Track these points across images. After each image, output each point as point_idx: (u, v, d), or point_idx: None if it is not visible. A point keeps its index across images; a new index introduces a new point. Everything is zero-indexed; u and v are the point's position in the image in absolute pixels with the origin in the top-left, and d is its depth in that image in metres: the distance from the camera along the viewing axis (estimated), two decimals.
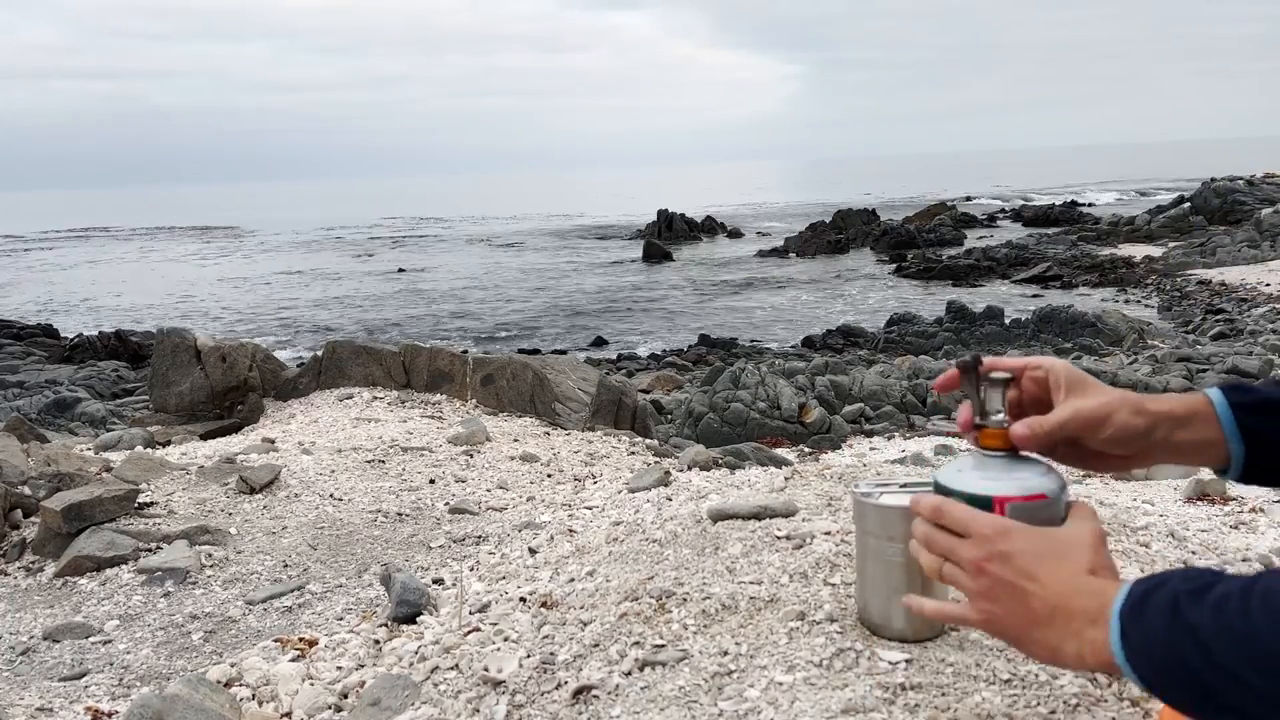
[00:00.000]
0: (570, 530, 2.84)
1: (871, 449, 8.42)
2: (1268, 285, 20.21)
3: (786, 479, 2.81)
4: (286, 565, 3.36)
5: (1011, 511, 1.05)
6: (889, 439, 9.29)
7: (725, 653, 1.59)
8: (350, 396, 6.27)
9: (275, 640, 2.42)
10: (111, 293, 35.16)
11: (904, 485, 1.52)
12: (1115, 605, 0.92)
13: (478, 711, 1.63)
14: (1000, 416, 1.11)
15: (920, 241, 34.01)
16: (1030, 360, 1.16)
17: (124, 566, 3.28)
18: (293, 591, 3.09)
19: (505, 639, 1.87)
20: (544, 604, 1.99)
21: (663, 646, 1.64)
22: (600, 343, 21.91)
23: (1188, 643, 0.83)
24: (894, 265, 31.00)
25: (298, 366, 7.14)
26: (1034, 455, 1.11)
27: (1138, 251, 28.34)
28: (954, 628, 1.56)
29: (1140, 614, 0.90)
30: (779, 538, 2.07)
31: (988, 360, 1.17)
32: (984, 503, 1.05)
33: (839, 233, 38.30)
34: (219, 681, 2.09)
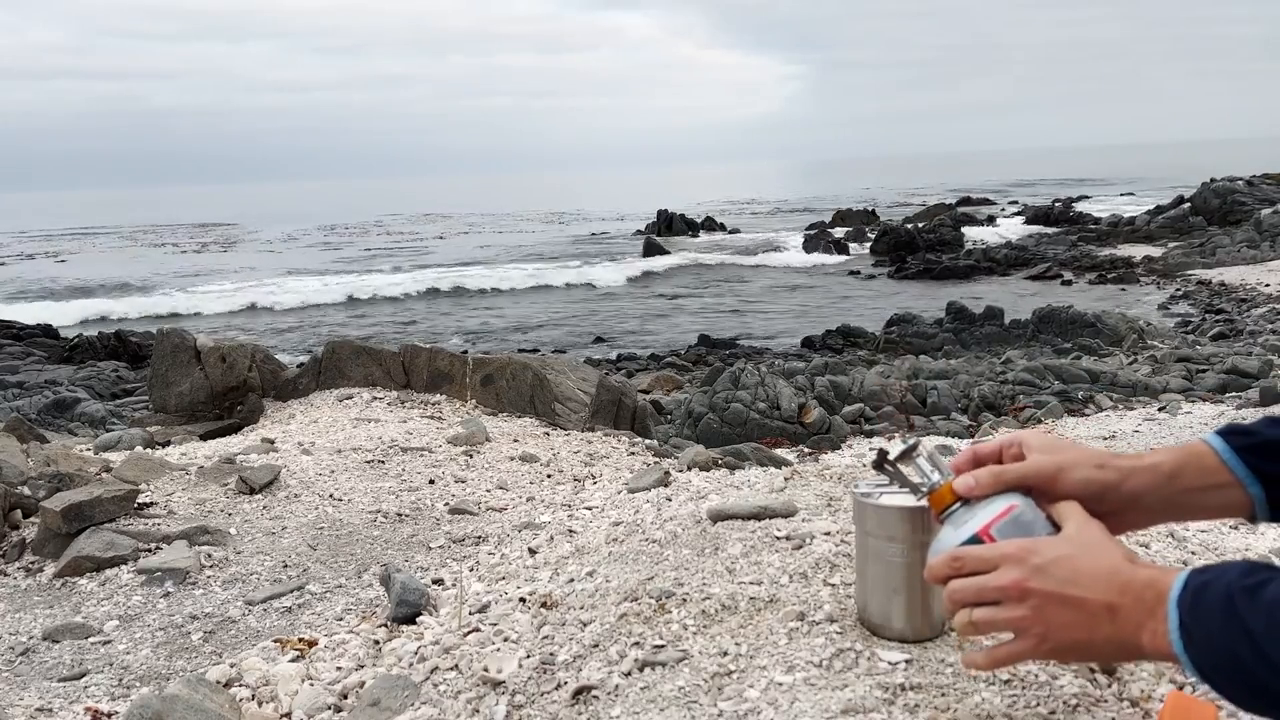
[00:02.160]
0: (570, 531, 2.84)
1: (871, 449, 8.42)
2: (1267, 285, 20.21)
3: (786, 479, 2.81)
4: (286, 565, 3.36)
5: (998, 532, 1.06)
6: (889, 439, 9.29)
7: (725, 653, 1.59)
8: (350, 397, 6.27)
9: (275, 640, 2.42)
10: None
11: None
12: (1172, 595, 0.93)
13: (477, 712, 1.63)
14: (936, 478, 1.15)
15: (920, 242, 34.03)
16: (1005, 440, 1.19)
17: (124, 567, 3.28)
18: (292, 592, 3.09)
19: (505, 639, 1.87)
20: (544, 604, 1.99)
21: (662, 647, 1.64)
22: (600, 343, 21.91)
23: (1242, 640, 0.85)
24: (894, 265, 31.00)
25: (297, 367, 7.14)
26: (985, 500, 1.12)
27: (1137, 252, 28.35)
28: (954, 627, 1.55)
29: (1197, 606, 0.90)
30: (779, 538, 2.07)
31: (967, 452, 1.20)
32: (972, 543, 1.06)
33: (839, 233, 38.32)
34: (218, 682, 2.09)
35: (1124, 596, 0.96)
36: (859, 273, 31.50)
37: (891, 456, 1.23)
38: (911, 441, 1.24)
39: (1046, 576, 0.98)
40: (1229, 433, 1.09)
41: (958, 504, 1.11)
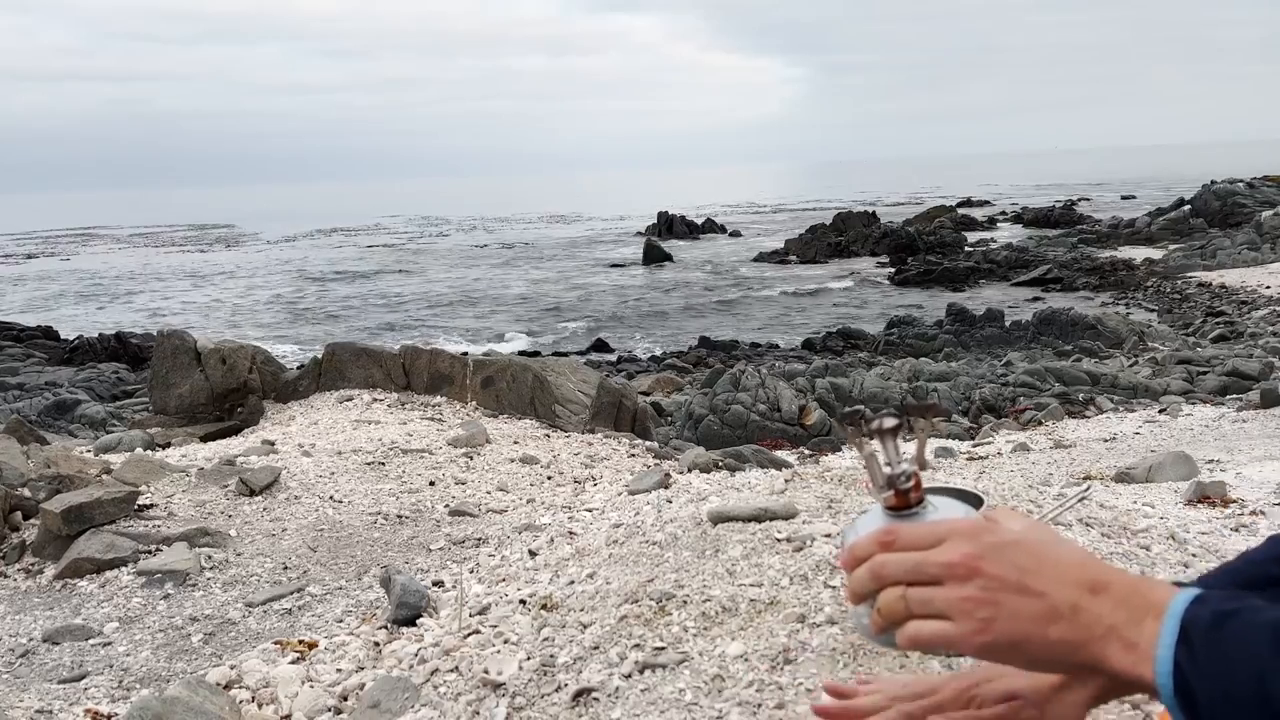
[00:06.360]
0: (570, 532, 2.83)
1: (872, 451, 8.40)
2: (1268, 288, 20.21)
3: (787, 481, 2.81)
4: (286, 567, 3.36)
5: None
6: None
7: (725, 655, 1.59)
8: (350, 399, 6.27)
9: (275, 642, 2.41)
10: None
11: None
12: (1174, 609, 0.78)
13: (478, 714, 1.63)
14: (904, 467, 0.94)
15: (920, 244, 34.05)
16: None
17: (124, 568, 3.27)
18: (292, 594, 3.08)
19: (505, 641, 1.87)
20: (544, 606, 1.99)
21: (663, 649, 1.64)
22: (600, 345, 21.91)
23: None
24: (894, 268, 31.01)
25: (298, 369, 7.14)
26: (941, 497, 0.95)
27: (1138, 254, 28.37)
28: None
29: (1218, 629, 0.76)
30: (779, 540, 2.07)
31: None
32: None
33: (839, 235, 38.33)
34: (219, 684, 2.09)
35: (1096, 597, 0.83)
36: (859, 274, 31.51)
37: (882, 425, 1.04)
38: (919, 405, 1.09)
39: (1002, 559, 0.84)
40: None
41: (919, 506, 0.94)
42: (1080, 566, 0.84)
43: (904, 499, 0.93)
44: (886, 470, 0.95)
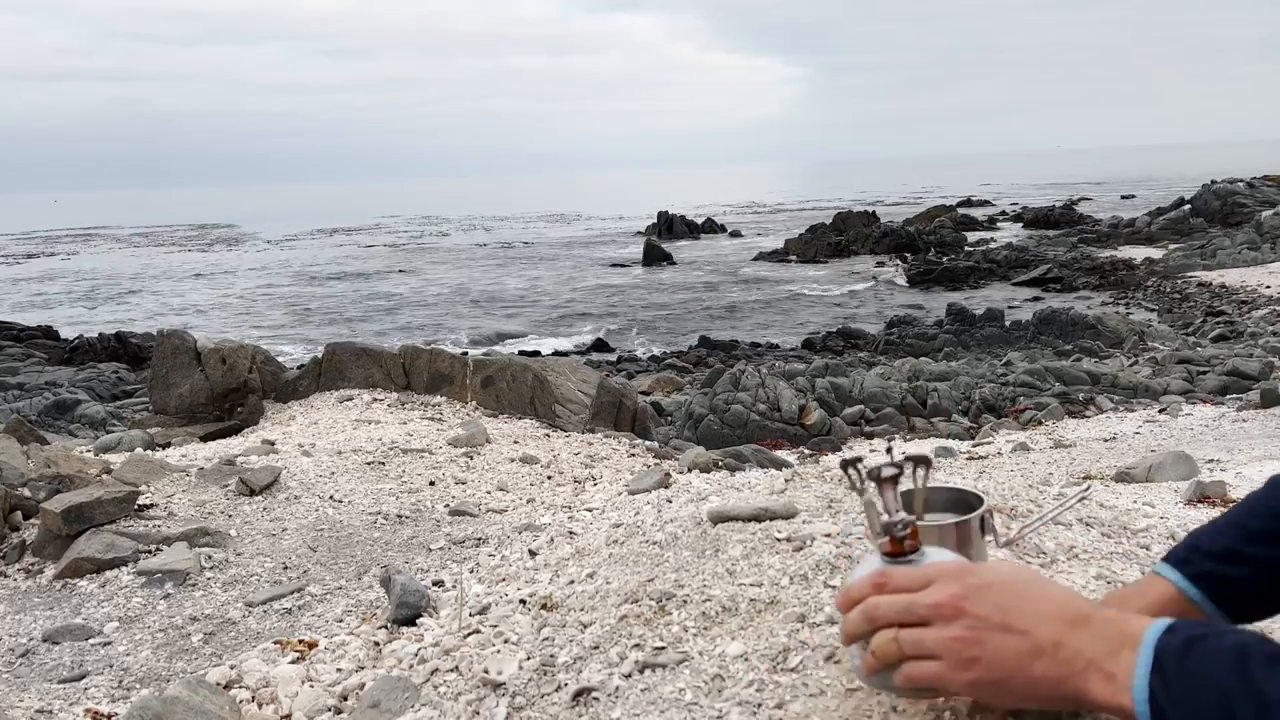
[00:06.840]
0: (570, 532, 2.83)
1: (871, 451, 8.42)
2: (1268, 287, 20.22)
3: (787, 481, 2.80)
4: (286, 567, 3.36)
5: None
6: (889, 441, 9.29)
7: (725, 654, 1.59)
8: (350, 398, 6.27)
9: (275, 642, 2.41)
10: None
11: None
12: (1148, 639, 0.82)
13: (478, 714, 1.63)
14: (900, 516, 0.99)
15: (921, 244, 34.07)
16: None
17: (124, 568, 3.27)
18: (292, 593, 3.08)
19: (505, 641, 1.87)
20: (544, 606, 1.99)
21: (663, 649, 1.64)
22: (600, 345, 21.91)
23: (1246, 702, 0.74)
24: (904, 263, 31.02)
25: (298, 369, 7.14)
26: (934, 546, 1.00)
27: (1138, 253, 28.39)
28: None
29: (1188, 657, 0.78)
30: (779, 539, 2.07)
31: None
32: None
33: (839, 235, 38.34)
34: (219, 683, 2.09)
35: (1075, 632, 0.85)
36: (859, 274, 31.52)
37: (880, 475, 1.01)
38: (917, 455, 1.06)
39: (986, 599, 0.88)
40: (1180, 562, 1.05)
41: (915, 554, 0.98)
42: (1060, 604, 0.88)
43: (899, 546, 0.97)
44: (884, 519, 0.98)
